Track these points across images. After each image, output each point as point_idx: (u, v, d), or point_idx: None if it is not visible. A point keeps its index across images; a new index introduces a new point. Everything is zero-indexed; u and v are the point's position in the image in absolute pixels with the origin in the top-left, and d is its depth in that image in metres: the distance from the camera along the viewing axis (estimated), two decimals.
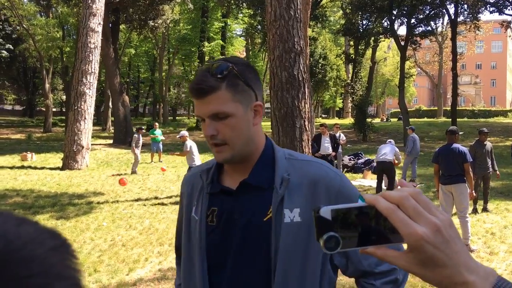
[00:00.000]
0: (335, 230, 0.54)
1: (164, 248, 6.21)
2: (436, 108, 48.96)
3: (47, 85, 32.89)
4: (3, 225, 0.38)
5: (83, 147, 14.18)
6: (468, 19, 26.61)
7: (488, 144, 8.38)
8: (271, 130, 6.02)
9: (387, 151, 9.48)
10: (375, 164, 11.47)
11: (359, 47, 28.02)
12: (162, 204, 9.15)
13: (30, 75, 46.43)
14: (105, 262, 5.60)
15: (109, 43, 22.69)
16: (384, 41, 32.18)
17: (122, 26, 29.01)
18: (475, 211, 8.26)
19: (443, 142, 7.97)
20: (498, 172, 8.59)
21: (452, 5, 25.32)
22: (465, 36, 31.07)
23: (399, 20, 27.27)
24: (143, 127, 15.53)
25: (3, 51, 35.74)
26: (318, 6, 26.06)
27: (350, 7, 28.11)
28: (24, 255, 0.35)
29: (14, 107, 57.94)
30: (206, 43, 35.14)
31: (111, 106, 27.57)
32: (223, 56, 1.16)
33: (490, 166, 8.34)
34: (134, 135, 14.05)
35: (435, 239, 0.51)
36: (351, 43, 30.06)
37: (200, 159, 9.33)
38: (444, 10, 26.51)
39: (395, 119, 43.08)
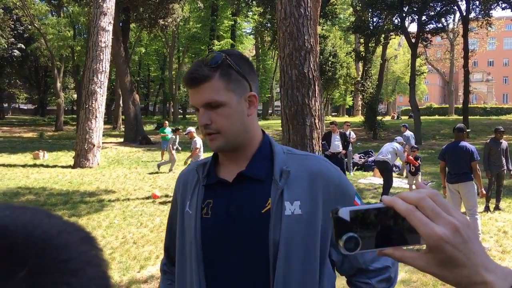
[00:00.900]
0: (354, 230, 0.54)
1: None
2: (447, 105, 48.45)
3: (58, 84, 33.23)
4: (36, 216, 0.40)
5: (94, 145, 14.28)
6: (480, 16, 26.29)
7: (504, 143, 8.30)
8: (281, 128, 6.02)
9: (384, 150, 9.41)
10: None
11: (369, 45, 27.85)
12: None
13: (41, 74, 46.95)
14: (117, 260, 5.65)
15: (120, 42, 22.84)
16: (394, 38, 31.90)
17: (132, 25, 29.17)
18: (487, 209, 8.20)
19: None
20: None
21: (464, 1, 25.09)
22: (477, 33, 30.83)
23: (409, 17, 27.08)
24: (179, 128, 15.76)
25: (15, 51, 36.13)
26: (328, 3, 25.96)
27: (360, 4, 27.94)
28: (60, 242, 0.38)
29: (25, 106, 58.60)
30: (216, 42, 35.24)
31: (121, 105, 27.72)
32: None
33: (505, 164, 8.28)
34: (171, 136, 14.30)
35: (454, 239, 0.51)
36: (361, 40, 29.84)
37: (203, 156, 9.40)
38: (455, 7, 26.19)
39: (406, 117, 42.75)
